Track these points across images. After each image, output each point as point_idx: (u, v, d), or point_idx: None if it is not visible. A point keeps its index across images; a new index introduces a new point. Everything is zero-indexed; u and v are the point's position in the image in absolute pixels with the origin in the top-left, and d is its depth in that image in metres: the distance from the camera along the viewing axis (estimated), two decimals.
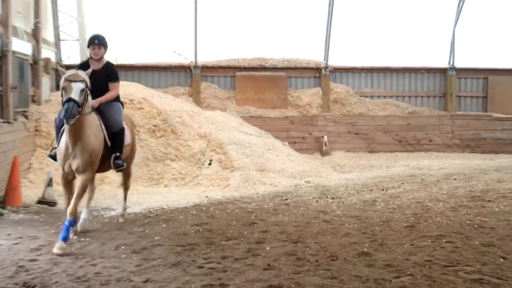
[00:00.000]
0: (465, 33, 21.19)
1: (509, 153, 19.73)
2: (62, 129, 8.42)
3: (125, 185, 10.19)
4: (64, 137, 8.26)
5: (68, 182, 8.61)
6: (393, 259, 7.30)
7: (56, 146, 8.67)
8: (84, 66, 9.08)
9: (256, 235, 8.69)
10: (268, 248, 7.94)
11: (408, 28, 20.78)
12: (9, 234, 8.78)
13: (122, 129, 9.14)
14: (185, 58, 20.06)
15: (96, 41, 9.30)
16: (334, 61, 20.73)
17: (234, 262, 7.25)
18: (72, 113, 7.67)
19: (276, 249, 7.85)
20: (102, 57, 9.38)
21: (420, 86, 21.53)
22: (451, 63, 21.35)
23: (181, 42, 20.02)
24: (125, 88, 15.60)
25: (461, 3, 20.85)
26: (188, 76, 20.16)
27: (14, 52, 13.39)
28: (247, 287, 6.26)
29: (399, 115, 20.69)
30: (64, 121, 7.89)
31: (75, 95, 7.78)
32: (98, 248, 7.92)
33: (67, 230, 7.92)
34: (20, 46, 14.32)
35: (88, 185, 9.00)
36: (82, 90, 7.91)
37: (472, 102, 21.71)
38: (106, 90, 9.15)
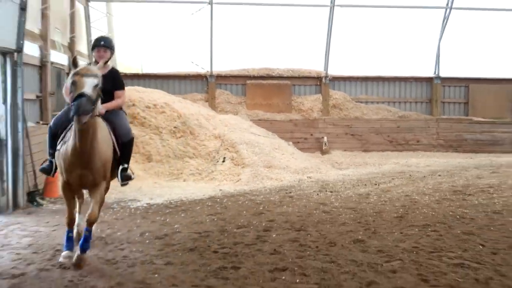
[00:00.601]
0: (449, 46, 21.11)
1: (488, 153, 19.64)
2: (64, 133, 6.73)
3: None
4: (71, 142, 6.31)
5: (71, 191, 6.84)
6: (384, 245, 7.30)
7: (48, 157, 7.13)
8: None
9: (263, 224, 8.69)
10: (274, 235, 7.94)
11: (398, 42, 20.73)
12: (48, 222, 8.83)
13: (133, 139, 7.46)
14: (201, 68, 20.08)
15: (102, 43, 7.56)
16: (333, 71, 20.69)
17: (244, 247, 7.26)
18: (85, 109, 5.81)
19: (281, 236, 7.86)
20: (107, 61, 7.51)
21: (409, 93, 21.46)
22: (436, 73, 21.26)
23: (199, 54, 20.04)
24: (150, 95, 15.68)
25: (445, 20, 20.80)
26: (204, 84, 20.18)
27: (52, 63, 13.51)
28: (256, 269, 6.28)
29: (390, 118, 20.63)
30: (75, 120, 5.98)
31: (88, 89, 5.98)
32: (125, 235, 7.96)
33: (71, 240, 6.74)
34: (58, 57, 14.44)
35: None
36: (96, 86, 6.11)
37: (455, 107, 21.62)
38: (110, 98, 7.33)
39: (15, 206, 9.91)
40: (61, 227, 8.16)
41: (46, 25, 13.19)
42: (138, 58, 21.31)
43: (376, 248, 7.18)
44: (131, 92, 14.75)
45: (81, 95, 5.92)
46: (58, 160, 6.70)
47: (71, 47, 16.03)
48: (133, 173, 7.45)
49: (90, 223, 6.54)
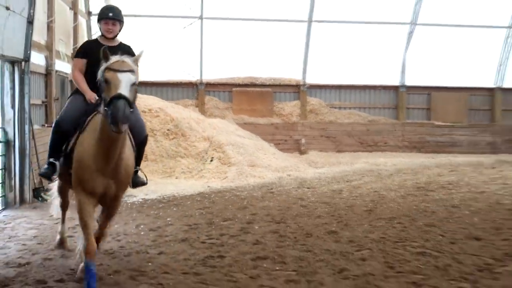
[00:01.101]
0: (413, 57, 21.23)
1: (447, 153, 19.75)
2: (77, 134, 5.26)
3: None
4: (95, 147, 4.89)
5: (90, 209, 5.12)
6: (355, 236, 7.32)
7: (49, 159, 5.57)
8: (92, 47, 5.78)
9: (247, 217, 8.68)
10: (256, 227, 7.94)
11: (369, 54, 20.78)
12: (51, 216, 8.74)
13: (147, 136, 5.86)
14: (192, 76, 20.00)
15: (110, 14, 5.79)
16: (310, 80, 20.70)
17: (230, 238, 7.25)
18: (126, 115, 4.42)
19: (263, 228, 7.86)
20: (116, 35, 5.91)
21: (377, 99, 21.53)
22: (402, 82, 21.36)
23: (190, 63, 19.95)
24: (145, 100, 15.58)
25: (410, 34, 20.92)
26: (195, 91, 20.10)
27: (57, 71, 13.41)
28: (240, 258, 6.27)
29: (361, 122, 20.68)
30: (111, 128, 4.51)
31: (125, 90, 4.54)
32: (122, 227, 7.90)
33: (94, 278, 4.94)
34: (62, 66, 14.34)
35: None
36: (133, 84, 4.66)
37: (418, 112, 21.72)
38: None
39: (22, 201, 9.82)
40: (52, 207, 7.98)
41: (51, 36, 13.09)
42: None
43: (347, 238, 7.20)
44: None
45: (118, 97, 4.48)
46: (74, 169, 5.10)
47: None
48: (146, 177, 5.89)
49: (98, 242, 5.26)
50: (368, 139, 20.36)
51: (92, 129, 5.05)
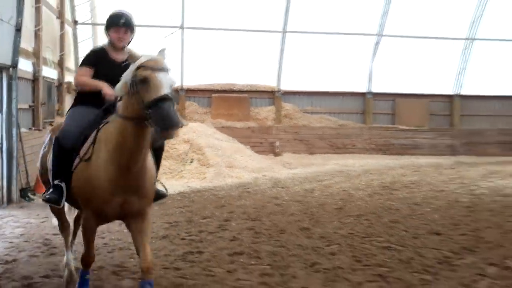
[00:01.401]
0: (379, 66, 21.46)
1: (410, 155, 19.94)
2: (85, 149, 4.17)
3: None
4: (105, 164, 3.95)
5: (96, 225, 4.35)
6: (325, 232, 7.35)
7: (54, 181, 4.43)
8: (100, 56, 4.81)
9: (224, 215, 8.65)
10: (233, 224, 7.91)
11: (338, 62, 20.92)
12: (38, 215, 8.60)
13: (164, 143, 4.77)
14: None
15: (122, 21, 4.75)
16: (285, 86, 20.74)
17: (208, 235, 7.21)
18: (177, 119, 3.59)
19: (239, 225, 7.84)
20: (126, 45, 4.87)
21: (346, 105, 21.70)
22: (369, 89, 21.57)
23: (171, 70, 19.84)
24: None
25: (377, 45, 21.15)
26: (176, 97, 20.00)
27: (44, 77, 13.19)
28: (217, 253, 6.24)
29: (331, 126, 20.78)
30: (160, 134, 3.62)
31: (168, 90, 3.74)
32: (106, 225, 7.78)
33: (87, 284, 4.56)
34: (49, 72, 14.13)
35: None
36: (173, 84, 3.89)
37: (384, 117, 21.93)
38: None
39: (9, 201, 9.65)
40: (49, 219, 7.89)
41: (38, 44, 12.87)
42: None
43: (319, 234, 7.22)
44: None
45: (164, 98, 3.63)
46: (82, 189, 4.14)
47: (60, 64, 15.75)
48: (165, 189, 4.83)
49: (148, 272, 3.96)
50: (338, 142, 20.46)
51: (104, 140, 4.05)
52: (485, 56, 21.78)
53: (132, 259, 5.94)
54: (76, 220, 5.55)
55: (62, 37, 16.02)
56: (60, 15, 15.86)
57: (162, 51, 4.12)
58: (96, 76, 4.73)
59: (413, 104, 21.85)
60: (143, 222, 4.19)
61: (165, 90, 3.69)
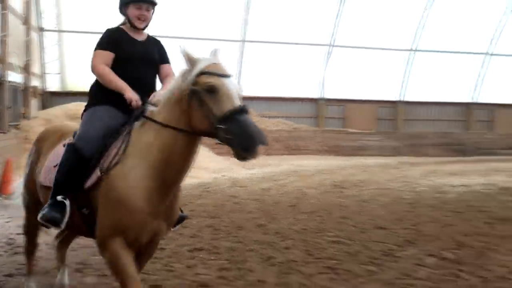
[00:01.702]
0: (331, 74, 21.81)
1: (359, 156, 20.31)
2: (108, 161, 3.20)
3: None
4: (143, 183, 3.07)
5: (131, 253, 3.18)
6: (280, 228, 7.34)
7: (58, 198, 3.31)
8: (120, 38, 3.69)
9: (186, 213, 8.54)
10: (194, 222, 7.81)
11: (294, 70, 21.21)
12: (2, 215, 8.26)
13: None
14: None
15: None
16: (244, 92, 20.72)
17: (169, 232, 7.09)
18: (263, 134, 2.89)
19: (199, 223, 7.75)
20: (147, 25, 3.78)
21: (301, 110, 21.95)
22: (321, 95, 21.89)
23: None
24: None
25: (329, 54, 21.49)
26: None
27: (9, 82, 12.78)
28: (178, 250, 6.15)
29: (287, 129, 20.95)
30: (243, 153, 2.88)
31: (241, 101, 3.03)
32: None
33: None
34: (15, 77, 13.74)
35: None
36: (241, 94, 3.09)
37: (335, 121, 22.31)
38: (155, 76, 3.82)
39: None
40: (14, 219, 7.63)
41: (4, 49, 12.46)
42: (84, 78, 20.46)
43: (274, 230, 7.21)
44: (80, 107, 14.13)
45: (241, 110, 2.92)
46: (111, 213, 3.09)
47: (26, 69, 15.27)
48: (182, 212, 3.86)
49: None
50: (293, 144, 20.62)
51: (139, 152, 3.16)
52: (426, 65, 22.49)
53: (95, 257, 5.77)
54: (62, 245, 4.61)
55: (28, 43, 15.56)
56: (26, 21, 15.38)
57: (215, 51, 3.26)
58: (117, 59, 3.66)
59: (362, 109, 22.29)
60: (152, 254, 3.64)
61: (238, 101, 2.97)
